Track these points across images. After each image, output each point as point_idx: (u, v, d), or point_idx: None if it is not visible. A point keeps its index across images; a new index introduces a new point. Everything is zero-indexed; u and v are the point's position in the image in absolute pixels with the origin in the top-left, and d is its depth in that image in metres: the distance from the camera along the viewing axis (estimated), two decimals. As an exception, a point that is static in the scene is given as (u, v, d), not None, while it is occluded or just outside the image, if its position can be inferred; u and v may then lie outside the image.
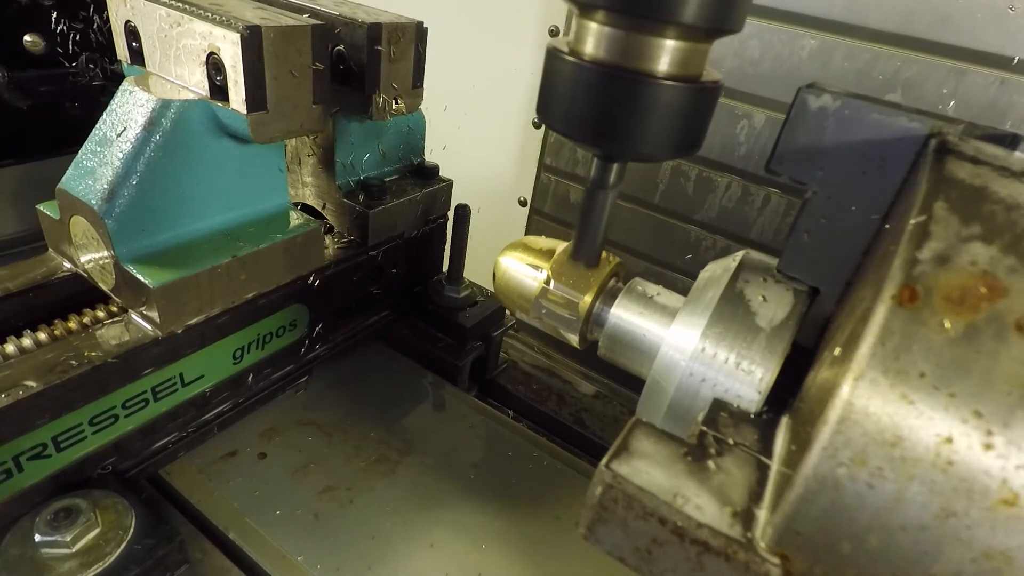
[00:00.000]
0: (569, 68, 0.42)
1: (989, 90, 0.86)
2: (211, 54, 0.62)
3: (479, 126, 1.39)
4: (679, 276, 1.21)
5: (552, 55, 0.43)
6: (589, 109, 0.42)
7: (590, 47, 0.41)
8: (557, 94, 0.44)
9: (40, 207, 0.71)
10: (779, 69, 0.99)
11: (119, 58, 0.73)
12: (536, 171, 1.33)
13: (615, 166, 0.47)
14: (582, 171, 1.25)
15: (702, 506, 0.37)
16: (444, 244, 1.02)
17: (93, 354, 0.61)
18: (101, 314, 0.69)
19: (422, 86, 0.84)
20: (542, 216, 1.36)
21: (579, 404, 1.04)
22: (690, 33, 0.39)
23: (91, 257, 0.67)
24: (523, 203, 1.37)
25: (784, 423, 0.44)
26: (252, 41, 0.60)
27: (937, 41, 0.87)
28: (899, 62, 0.90)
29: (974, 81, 0.86)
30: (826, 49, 0.95)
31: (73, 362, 0.60)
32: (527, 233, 1.40)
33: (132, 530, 0.60)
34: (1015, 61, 0.83)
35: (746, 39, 1.00)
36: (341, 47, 0.76)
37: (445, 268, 1.01)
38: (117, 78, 0.70)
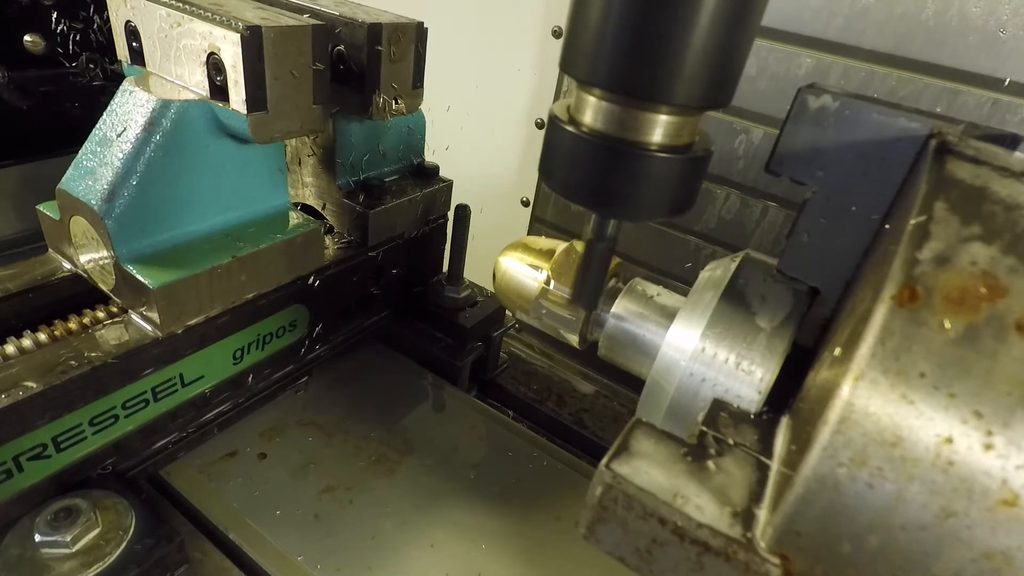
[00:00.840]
0: (568, 137, 0.44)
1: (981, 110, 0.88)
2: (211, 54, 0.62)
3: (482, 126, 1.39)
4: (679, 285, 1.22)
5: (553, 123, 0.46)
6: (587, 175, 0.45)
7: (588, 117, 0.44)
8: (557, 159, 0.47)
9: (40, 207, 0.71)
10: (776, 86, 1.02)
11: (119, 58, 0.73)
12: (537, 181, 1.33)
13: (612, 222, 0.49)
14: None
15: (702, 506, 0.37)
16: (444, 244, 1.02)
17: (93, 354, 0.61)
18: (101, 314, 0.69)
19: (422, 86, 0.84)
20: (543, 224, 1.37)
21: (579, 404, 1.04)
22: (681, 109, 0.42)
23: (91, 257, 0.67)
24: (526, 203, 1.38)
25: (784, 423, 0.44)
26: (252, 41, 0.60)
27: (930, 62, 0.89)
28: (894, 81, 0.93)
29: (966, 101, 0.89)
30: (822, 68, 0.97)
31: (73, 362, 0.60)
32: (529, 233, 1.40)
33: (132, 530, 0.60)
34: (1006, 83, 0.85)
35: None
36: (341, 47, 0.76)
37: (445, 268, 1.01)
38: (117, 78, 0.70)
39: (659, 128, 0.42)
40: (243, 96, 0.62)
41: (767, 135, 1.05)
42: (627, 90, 0.40)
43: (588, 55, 0.40)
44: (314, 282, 0.80)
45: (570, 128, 0.44)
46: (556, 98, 1.25)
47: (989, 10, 0.84)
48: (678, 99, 0.39)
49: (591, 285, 0.54)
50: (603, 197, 0.45)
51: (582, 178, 0.45)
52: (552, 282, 0.61)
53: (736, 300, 0.50)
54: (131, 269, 0.63)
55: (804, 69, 0.98)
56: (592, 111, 0.43)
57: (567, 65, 0.43)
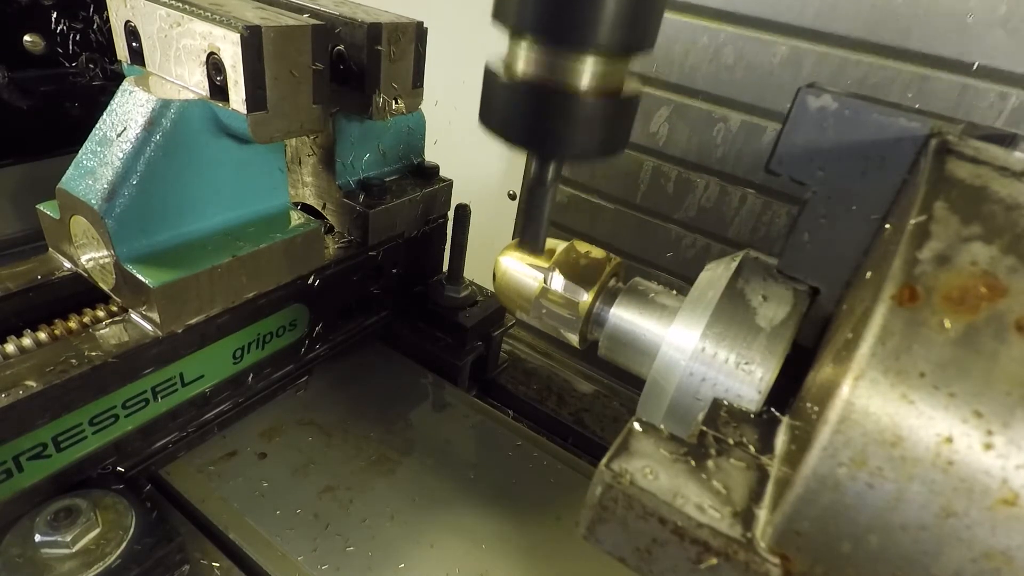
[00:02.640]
0: (503, 86, 0.48)
1: (951, 94, 0.89)
2: (211, 54, 0.62)
3: (469, 121, 1.39)
4: (661, 274, 1.24)
5: (489, 74, 0.49)
6: (522, 119, 0.49)
7: (520, 64, 0.46)
8: (495, 106, 0.50)
9: (40, 207, 0.71)
10: (753, 74, 1.02)
11: (119, 58, 0.73)
12: (525, 164, 1.34)
13: (551, 165, 0.53)
14: (566, 169, 1.26)
15: (702, 506, 0.37)
16: (444, 244, 1.02)
17: (93, 354, 0.61)
18: (101, 314, 0.69)
19: (422, 86, 0.84)
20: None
21: (579, 404, 1.04)
22: (607, 53, 0.44)
23: (91, 257, 0.67)
24: (512, 196, 1.38)
25: (784, 423, 0.44)
26: (252, 41, 0.60)
27: (901, 47, 0.90)
28: (866, 67, 0.94)
29: (936, 87, 0.90)
30: (797, 55, 0.98)
31: (73, 362, 0.60)
32: (517, 226, 1.41)
33: (132, 530, 0.60)
34: (975, 66, 0.86)
35: (721, 46, 1.04)
36: (341, 47, 0.76)
37: (445, 268, 1.01)
38: (117, 78, 0.70)
39: (587, 72, 0.45)
40: (243, 96, 0.62)
41: (744, 123, 1.06)
42: (554, 37, 0.43)
43: (516, 4, 0.43)
44: (314, 282, 0.80)
45: (504, 78, 0.47)
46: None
47: (957, -6, 0.86)
48: (601, 43, 0.42)
49: (535, 228, 0.58)
50: (538, 139, 0.49)
51: (518, 121, 0.49)
52: (552, 282, 0.61)
53: (736, 300, 0.50)
54: (131, 268, 0.63)
55: (779, 57, 0.99)
56: (524, 58, 0.46)
57: (498, 14, 0.45)
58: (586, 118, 0.46)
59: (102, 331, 0.65)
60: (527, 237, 0.59)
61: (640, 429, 0.42)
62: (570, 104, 0.46)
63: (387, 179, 0.90)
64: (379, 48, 0.74)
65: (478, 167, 1.40)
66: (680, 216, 1.18)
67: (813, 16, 0.95)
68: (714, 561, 0.36)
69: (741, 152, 1.07)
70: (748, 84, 1.03)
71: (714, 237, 1.16)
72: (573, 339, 0.63)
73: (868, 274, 0.40)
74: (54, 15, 1.05)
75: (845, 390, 0.31)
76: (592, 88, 0.45)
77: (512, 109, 0.49)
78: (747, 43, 1.01)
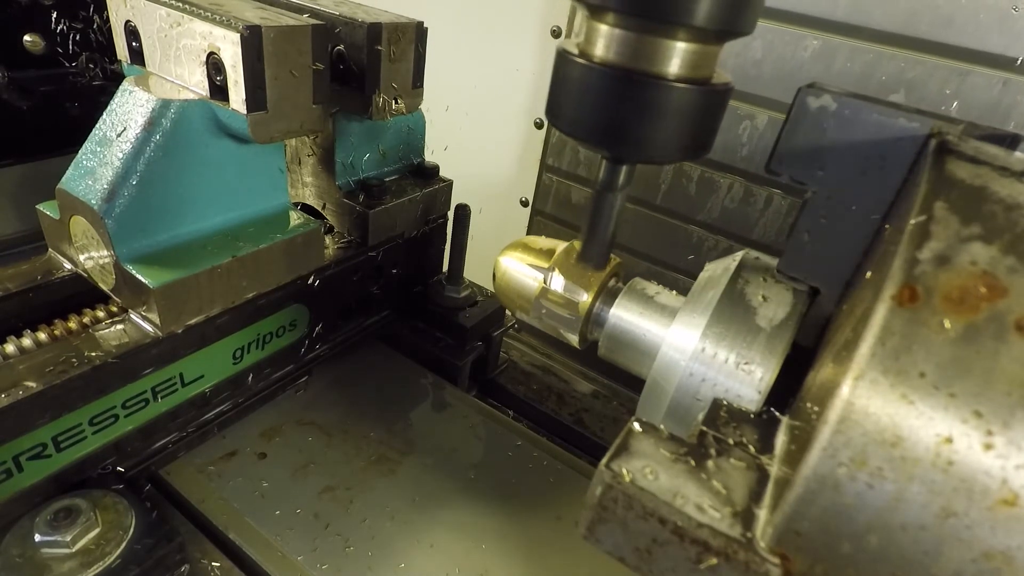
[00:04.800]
0: (579, 70, 0.41)
1: (992, 91, 0.86)
2: (211, 54, 0.62)
3: (481, 126, 1.39)
4: (681, 276, 1.21)
5: (562, 57, 0.43)
6: (599, 111, 0.42)
7: (600, 49, 0.41)
8: (567, 96, 0.43)
9: (40, 207, 0.71)
10: (782, 70, 0.99)
11: (119, 58, 0.73)
12: (538, 171, 1.33)
13: (624, 168, 0.47)
14: (584, 172, 1.25)
15: (702, 506, 0.37)
16: (444, 244, 1.02)
17: (93, 354, 0.61)
18: (101, 314, 0.69)
19: (422, 86, 0.84)
20: (544, 216, 1.36)
21: (579, 404, 1.04)
22: (700, 35, 0.39)
23: (91, 257, 0.67)
24: (525, 203, 1.38)
25: (784, 423, 0.44)
26: (252, 41, 0.60)
27: (940, 42, 0.87)
28: (902, 63, 0.90)
29: (977, 82, 0.86)
30: (829, 50, 0.95)
31: (73, 362, 0.60)
32: (529, 233, 1.40)
33: (132, 530, 0.60)
34: (1019, 62, 0.83)
35: (749, 40, 1.00)
36: (341, 47, 0.76)
37: (445, 268, 1.01)
38: (117, 78, 0.70)
39: (676, 57, 0.40)
40: (243, 96, 0.62)
41: (772, 120, 1.02)
42: (643, 11, 0.38)
43: None
44: (314, 282, 0.80)
45: (581, 60, 0.41)
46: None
47: (1002, -15, 0.82)
48: (697, 20, 0.37)
49: (600, 239, 0.51)
50: (616, 135, 0.43)
51: (594, 114, 0.42)
52: (552, 282, 0.61)
53: (736, 300, 0.50)
54: (131, 269, 0.63)
55: (810, 51, 0.96)
56: (604, 41, 0.40)
57: None
58: (672, 109, 0.41)
59: (102, 331, 0.65)
60: (591, 251, 0.52)
61: (640, 429, 0.42)
62: (656, 92, 0.40)
63: (387, 179, 0.90)
64: (379, 48, 0.74)
65: (490, 173, 1.39)
66: (703, 217, 1.15)
67: (846, 8, 0.91)
68: (714, 561, 0.36)
69: (767, 151, 1.04)
70: (777, 80, 0.99)
71: (738, 239, 1.12)
72: (573, 339, 0.63)
73: (868, 274, 0.40)
74: (54, 15, 1.05)
75: (845, 390, 0.31)
76: (681, 76, 0.40)
77: (586, 100, 0.42)
78: (776, 36, 0.97)
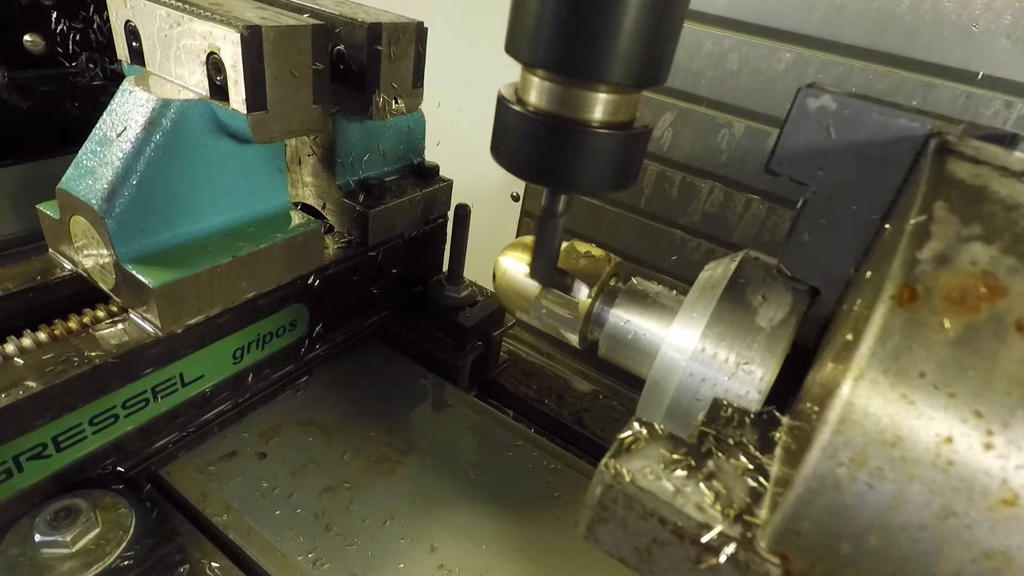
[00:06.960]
0: (515, 116, 0.47)
1: (956, 103, 0.89)
2: (211, 54, 0.62)
3: (472, 122, 1.40)
4: (665, 277, 1.24)
5: (501, 103, 0.49)
6: (534, 152, 0.48)
7: (533, 97, 0.46)
8: (507, 137, 0.50)
9: (40, 207, 0.71)
10: (757, 81, 1.03)
11: (119, 58, 0.73)
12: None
13: (562, 197, 0.52)
14: None
15: (702, 506, 0.37)
16: (444, 244, 1.02)
17: (93, 354, 0.61)
18: (101, 314, 0.69)
19: (422, 86, 0.84)
20: (533, 218, 1.38)
21: (579, 404, 1.04)
22: (619, 87, 0.44)
23: (91, 257, 0.67)
24: (516, 198, 1.38)
25: (784, 423, 0.44)
26: (252, 41, 0.60)
27: (906, 56, 0.91)
28: (871, 75, 0.94)
29: (942, 95, 0.90)
30: (802, 62, 0.98)
31: (73, 362, 0.60)
32: (519, 229, 1.41)
33: (132, 530, 0.60)
34: (979, 76, 0.87)
35: (725, 52, 1.04)
36: (341, 47, 0.76)
37: (445, 268, 1.01)
38: (117, 78, 0.70)
39: (599, 106, 0.45)
40: (243, 96, 0.62)
41: (749, 129, 1.06)
42: (567, 70, 0.43)
43: (530, 39, 0.43)
44: (314, 282, 0.80)
45: (517, 108, 0.47)
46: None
47: (962, 4, 0.86)
48: (614, 77, 0.42)
49: (546, 261, 0.57)
50: (551, 172, 0.49)
51: (531, 155, 0.48)
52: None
53: (736, 300, 0.50)
54: (131, 269, 0.63)
55: (784, 64, 1.00)
56: (536, 91, 0.46)
57: (511, 49, 0.45)
58: (597, 151, 0.46)
59: (102, 331, 0.65)
60: (537, 270, 0.59)
61: (640, 429, 0.42)
62: (582, 137, 0.46)
63: (387, 179, 0.90)
64: (379, 48, 0.74)
65: (481, 168, 1.40)
66: (684, 221, 1.18)
67: (817, 23, 0.95)
68: (714, 561, 0.36)
69: (745, 158, 1.08)
70: (752, 90, 1.03)
71: (718, 242, 1.16)
72: (573, 339, 0.63)
73: (868, 274, 0.40)
74: (54, 15, 1.05)
75: (845, 390, 0.31)
76: (603, 121, 0.45)
77: (523, 142, 0.48)
78: (751, 50, 1.01)
